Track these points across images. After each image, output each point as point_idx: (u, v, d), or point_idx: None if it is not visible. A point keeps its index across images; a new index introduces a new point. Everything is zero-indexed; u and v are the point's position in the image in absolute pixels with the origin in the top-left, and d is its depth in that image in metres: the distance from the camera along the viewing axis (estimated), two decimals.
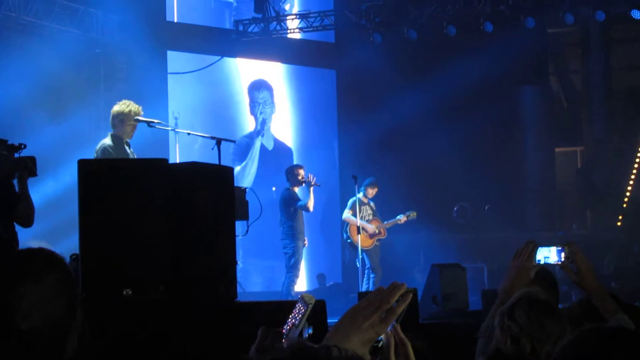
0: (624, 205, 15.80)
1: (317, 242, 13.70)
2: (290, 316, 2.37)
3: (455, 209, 15.44)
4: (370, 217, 11.82)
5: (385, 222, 11.92)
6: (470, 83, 14.52)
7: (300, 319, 2.33)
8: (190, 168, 6.23)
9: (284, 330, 2.37)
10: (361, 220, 11.56)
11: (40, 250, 2.13)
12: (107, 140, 7.82)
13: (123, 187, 5.72)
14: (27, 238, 6.48)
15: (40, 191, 8.77)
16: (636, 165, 15.99)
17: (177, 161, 8.98)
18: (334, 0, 14.85)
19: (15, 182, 5.75)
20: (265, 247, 13.10)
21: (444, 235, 14.47)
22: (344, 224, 11.89)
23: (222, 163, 7.33)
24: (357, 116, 14.73)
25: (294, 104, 14.95)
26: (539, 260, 3.62)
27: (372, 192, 11.84)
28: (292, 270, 10.83)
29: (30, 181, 5.83)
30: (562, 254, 3.59)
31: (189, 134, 8.74)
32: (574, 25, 15.06)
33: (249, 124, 14.45)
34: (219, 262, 6.10)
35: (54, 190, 10.37)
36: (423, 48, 14.42)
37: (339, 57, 15.00)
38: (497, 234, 14.22)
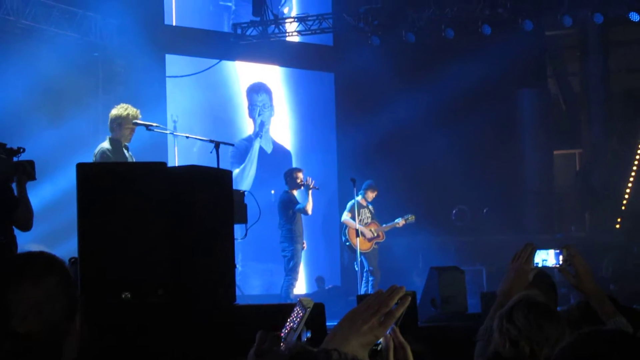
0: (623, 208, 15.78)
1: (316, 245, 13.69)
2: (289, 320, 2.36)
3: (454, 211, 15.43)
4: (369, 220, 11.82)
5: (384, 225, 11.92)
6: (469, 86, 14.51)
7: (299, 322, 2.32)
8: (189, 171, 6.21)
9: (282, 334, 2.36)
10: (359, 223, 11.57)
11: (41, 253, 2.13)
12: (106, 144, 7.83)
13: (122, 191, 5.71)
14: (26, 242, 6.46)
15: (39, 195, 8.75)
16: (635, 168, 15.99)
17: (176, 164, 8.99)
18: (332, 3, 14.85)
19: (14, 185, 5.75)
20: (264, 250, 13.08)
21: (443, 238, 14.46)
22: (343, 226, 11.90)
23: (221, 166, 7.34)
24: (356, 119, 14.72)
25: (292, 107, 14.94)
26: (537, 263, 3.62)
27: (372, 195, 11.85)
28: (290, 273, 10.83)
29: (29, 185, 5.83)
30: (561, 257, 3.59)
31: (187, 137, 8.74)
32: (572, 28, 15.07)
33: (247, 127, 14.44)
34: (217, 266, 6.10)
35: (52, 194, 10.36)
36: (421, 51, 14.40)
37: (338, 60, 15.00)
38: (495, 237, 14.21)
